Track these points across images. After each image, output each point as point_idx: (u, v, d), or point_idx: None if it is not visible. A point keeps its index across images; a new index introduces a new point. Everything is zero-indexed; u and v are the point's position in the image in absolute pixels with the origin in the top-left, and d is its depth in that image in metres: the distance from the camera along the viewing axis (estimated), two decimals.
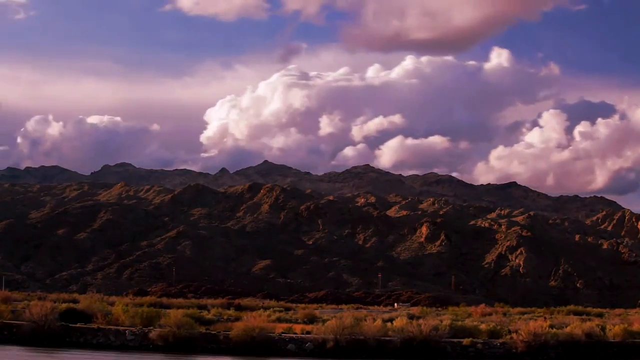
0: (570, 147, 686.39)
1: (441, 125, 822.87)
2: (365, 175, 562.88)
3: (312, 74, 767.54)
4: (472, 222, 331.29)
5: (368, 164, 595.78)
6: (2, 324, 62.62)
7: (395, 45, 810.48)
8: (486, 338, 60.01)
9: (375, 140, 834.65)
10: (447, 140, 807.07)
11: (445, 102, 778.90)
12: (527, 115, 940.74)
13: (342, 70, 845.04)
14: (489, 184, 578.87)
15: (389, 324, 62.63)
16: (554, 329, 60.57)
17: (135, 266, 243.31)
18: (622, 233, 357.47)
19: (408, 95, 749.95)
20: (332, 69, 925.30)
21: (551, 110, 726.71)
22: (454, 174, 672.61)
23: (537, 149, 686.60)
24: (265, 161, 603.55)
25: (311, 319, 77.09)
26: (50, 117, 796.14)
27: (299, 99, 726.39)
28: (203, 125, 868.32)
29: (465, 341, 57.98)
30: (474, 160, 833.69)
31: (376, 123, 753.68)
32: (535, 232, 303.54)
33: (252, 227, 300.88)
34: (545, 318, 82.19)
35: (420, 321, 62.21)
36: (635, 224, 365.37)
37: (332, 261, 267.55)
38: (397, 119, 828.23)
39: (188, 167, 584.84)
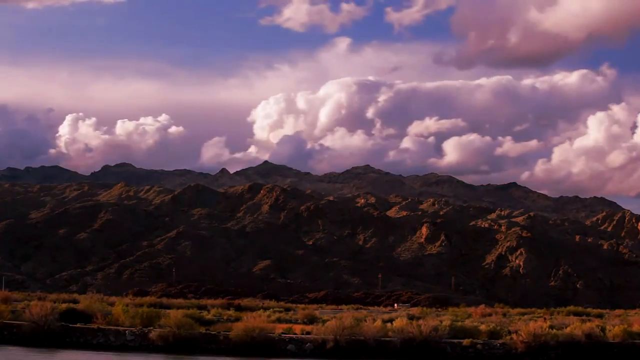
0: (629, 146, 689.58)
1: (507, 130, 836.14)
2: (365, 175, 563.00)
3: (391, 81, 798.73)
4: (472, 223, 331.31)
5: (368, 165, 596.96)
6: (2, 324, 62.59)
7: (489, 59, 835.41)
8: (486, 339, 59.99)
9: (436, 140, 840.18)
10: (510, 141, 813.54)
11: (517, 110, 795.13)
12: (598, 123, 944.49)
13: (421, 78, 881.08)
14: (489, 184, 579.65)
15: (388, 324, 62.57)
16: (554, 330, 60.53)
17: (135, 266, 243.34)
18: (622, 234, 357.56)
19: (477, 102, 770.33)
20: (416, 79, 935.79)
21: (615, 115, 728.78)
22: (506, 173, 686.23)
23: (595, 151, 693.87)
24: (266, 161, 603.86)
25: (311, 320, 77.01)
26: (96, 119, 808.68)
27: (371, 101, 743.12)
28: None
29: (465, 342, 57.95)
30: (531, 165, 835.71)
31: (437, 125, 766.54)
32: (535, 232, 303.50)
33: (252, 228, 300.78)
34: (545, 319, 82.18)
35: (420, 322, 62.16)
36: (635, 224, 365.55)
37: (332, 261, 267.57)
38: (458, 122, 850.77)
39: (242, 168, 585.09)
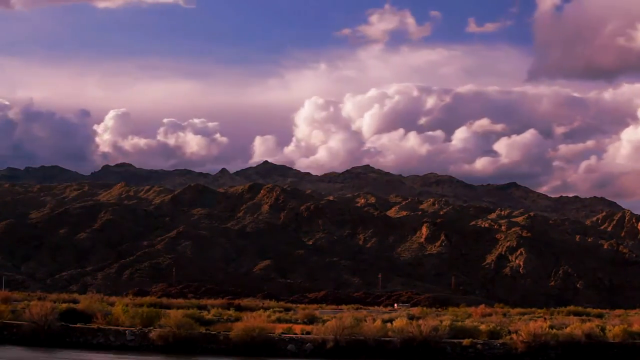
0: None
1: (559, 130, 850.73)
2: (365, 175, 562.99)
3: (452, 86, 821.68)
4: (473, 223, 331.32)
5: (368, 165, 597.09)
6: (2, 324, 62.61)
7: (562, 70, 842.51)
8: (486, 339, 59.96)
9: (488, 142, 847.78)
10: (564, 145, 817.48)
11: (576, 116, 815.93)
12: None
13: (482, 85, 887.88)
14: (489, 184, 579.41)
15: (388, 324, 62.57)
16: (554, 330, 60.51)
17: (135, 266, 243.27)
18: (622, 234, 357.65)
19: (540, 109, 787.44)
20: (473, 83, 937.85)
21: None
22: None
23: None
24: (266, 161, 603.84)
25: (311, 320, 76.92)
26: (141, 120, 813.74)
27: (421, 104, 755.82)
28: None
29: (465, 342, 57.94)
30: (575, 166, 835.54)
31: (490, 127, 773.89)
32: (535, 232, 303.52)
33: (252, 228, 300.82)
34: (545, 319, 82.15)
35: (420, 322, 62.12)
36: (635, 224, 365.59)
37: (332, 261, 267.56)
38: (513, 125, 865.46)
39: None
